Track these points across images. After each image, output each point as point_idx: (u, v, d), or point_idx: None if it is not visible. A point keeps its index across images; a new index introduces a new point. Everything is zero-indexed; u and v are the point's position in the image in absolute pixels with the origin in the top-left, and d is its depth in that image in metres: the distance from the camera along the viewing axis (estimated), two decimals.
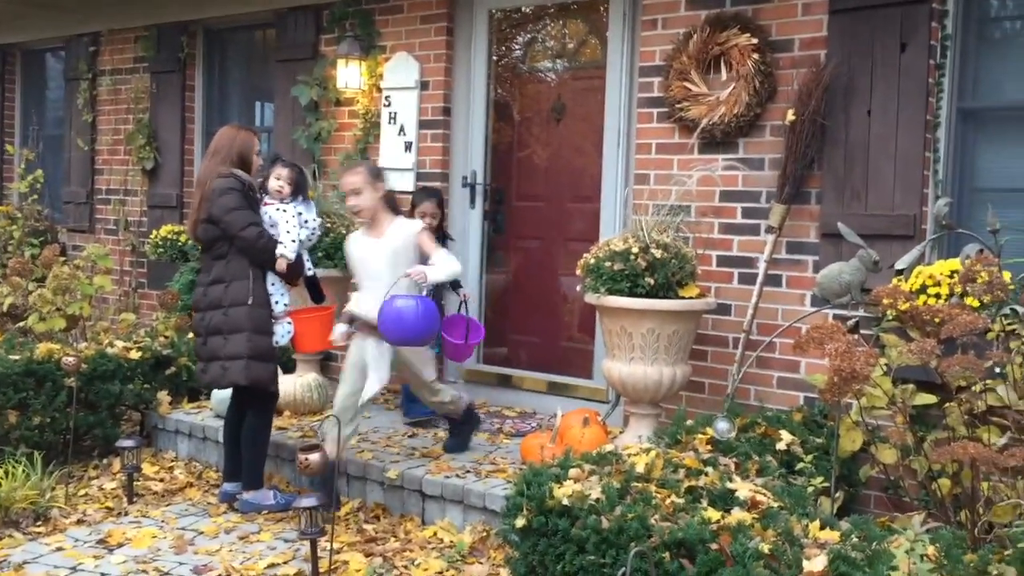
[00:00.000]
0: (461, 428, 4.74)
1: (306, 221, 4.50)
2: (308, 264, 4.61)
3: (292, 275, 4.44)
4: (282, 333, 4.42)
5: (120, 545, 4.05)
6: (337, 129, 6.26)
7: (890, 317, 3.71)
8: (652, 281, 4.12)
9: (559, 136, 5.66)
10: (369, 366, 4.27)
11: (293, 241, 4.35)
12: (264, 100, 7.21)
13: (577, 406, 4.87)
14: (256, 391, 4.38)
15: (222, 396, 4.92)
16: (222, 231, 4.29)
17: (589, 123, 5.48)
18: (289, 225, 4.38)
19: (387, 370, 4.29)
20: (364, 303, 4.28)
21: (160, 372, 5.55)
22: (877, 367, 3.17)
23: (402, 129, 5.91)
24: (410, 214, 4.87)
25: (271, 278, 4.38)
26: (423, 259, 4.25)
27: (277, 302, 4.39)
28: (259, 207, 4.40)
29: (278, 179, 4.46)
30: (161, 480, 4.93)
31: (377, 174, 4.33)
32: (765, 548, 2.58)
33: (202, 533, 4.21)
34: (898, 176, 4.15)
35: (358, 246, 4.38)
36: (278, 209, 4.42)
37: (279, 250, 4.31)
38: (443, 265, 4.20)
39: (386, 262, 4.23)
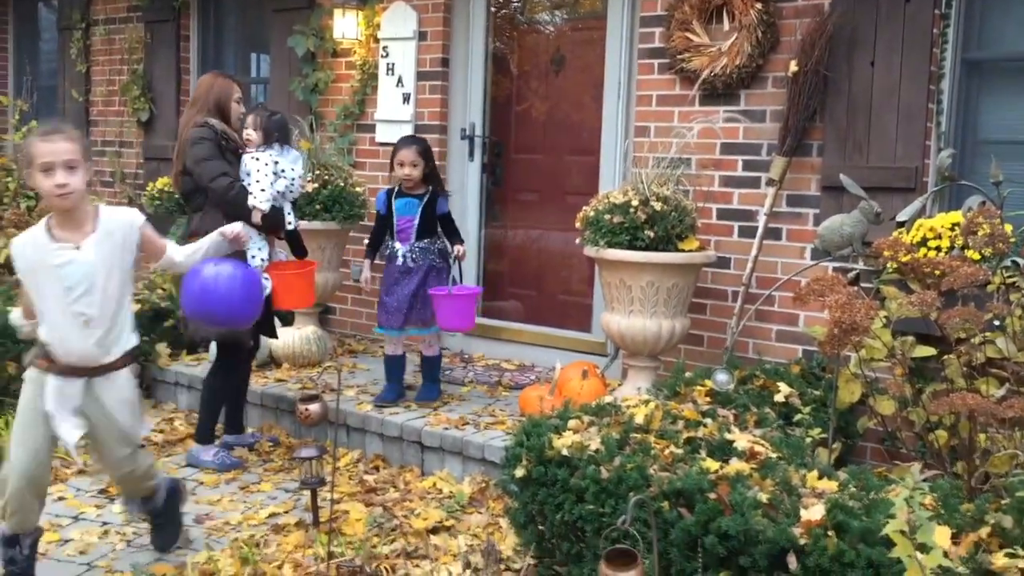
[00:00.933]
0: (168, 518, 3.51)
1: (283, 171, 4.29)
2: (289, 217, 4.41)
3: (270, 227, 4.29)
4: None
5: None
6: (334, 80, 6.19)
7: (891, 269, 3.70)
8: (652, 234, 4.11)
9: (558, 88, 5.61)
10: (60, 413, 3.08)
11: (263, 190, 4.19)
12: (260, 51, 7.12)
13: (576, 359, 4.88)
14: (228, 345, 4.31)
15: None
16: (195, 182, 4.22)
17: (589, 75, 5.42)
18: (260, 175, 4.20)
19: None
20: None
21: (159, 324, 5.55)
22: (877, 319, 3.17)
23: (400, 80, 5.85)
24: (391, 165, 4.62)
25: (248, 230, 4.26)
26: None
27: (254, 256, 4.25)
28: (238, 157, 4.29)
29: (247, 127, 4.29)
30: (161, 431, 4.95)
31: (89, 147, 3.10)
32: (763, 497, 2.60)
33: (203, 483, 4.24)
34: (901, 128, 4.12)
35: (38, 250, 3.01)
36: (253, 158, 4.26)
37: (251, 201, 4.17)
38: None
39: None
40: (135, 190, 7.40)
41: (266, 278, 4.26)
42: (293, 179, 4.34)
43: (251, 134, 4.28)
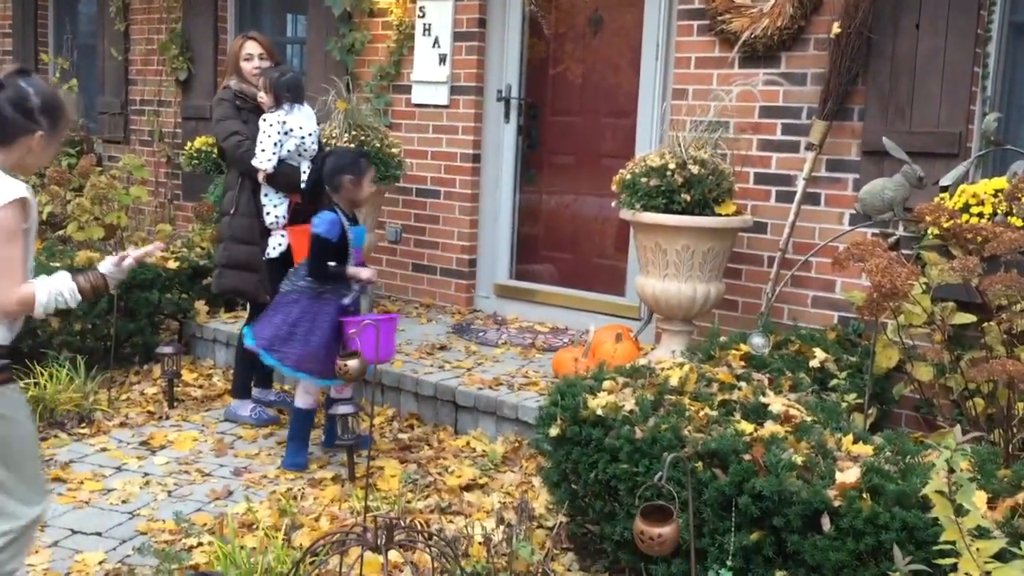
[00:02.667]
0: None
1: (290, 130, 4.25)
2: (304, 176, 4.27)
3: (283, 186, 4.30)
4: (273, 245, 4.33)
5: (162, 447, 4.17)
6: (370, 41, 6.18)
7: (932, 235, 3.66)
8: (688, 198, 4.09)
9: (595, 50, 5.56)
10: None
11: (263, 151, 4.20)
12: (297, 11, 7.12)
13: (609, 322, 4.89)
14: (261, 304, 4.33)
15: None
16: (219, 143, 4.46)
17: (626, 36, 5.37)
18: (263, 135, 4.22)
19: None
20: None
21: (197, 282, 5.62)
22: (917, 285, 3.15)
23: (436, 41, 5.83)
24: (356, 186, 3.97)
25: (265, 189, 4.31)
26: None
27: (268, 213, 4.32)
28: (259, 115, 4.32)
29: (259, 89, 4.33)
30: (200, 387, 5.04)
31: None
32: (798, 460, 2.60)
33: (240, 438, 4.32)
34: (945, 92, 4.05)
35: None
36: (262, 120, 4.27)
37: (252, 162, 4.23)
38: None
39: None
40: (173, 149, 7.47)
41: (282, 235, 4.33)
42: (302, 137, 4.30)
43: (262, 96, 4.31)
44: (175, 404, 4.71)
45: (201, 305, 5.57)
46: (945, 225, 3.38)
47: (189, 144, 7.00)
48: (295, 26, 7.20)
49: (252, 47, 4.46)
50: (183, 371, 5.08)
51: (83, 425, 4.38)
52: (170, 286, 5.42)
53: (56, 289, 2.39)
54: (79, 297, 2.46)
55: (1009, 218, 3.52)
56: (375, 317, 3.87)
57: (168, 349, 4.70)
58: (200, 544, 3.19)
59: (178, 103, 7.48)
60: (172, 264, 5.46)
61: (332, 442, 4.11)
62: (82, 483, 3.73)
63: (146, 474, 3.86)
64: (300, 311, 3.83)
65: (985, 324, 3.36)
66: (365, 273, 3.95)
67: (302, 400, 3.98)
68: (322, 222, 3.81)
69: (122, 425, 4.42)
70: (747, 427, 2.81)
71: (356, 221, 4.01)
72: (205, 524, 3.37)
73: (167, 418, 4.56)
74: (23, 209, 2.30)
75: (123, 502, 3.58)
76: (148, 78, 7.70)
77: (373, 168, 4.13)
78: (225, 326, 5.44)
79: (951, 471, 1.68)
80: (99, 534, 3.32)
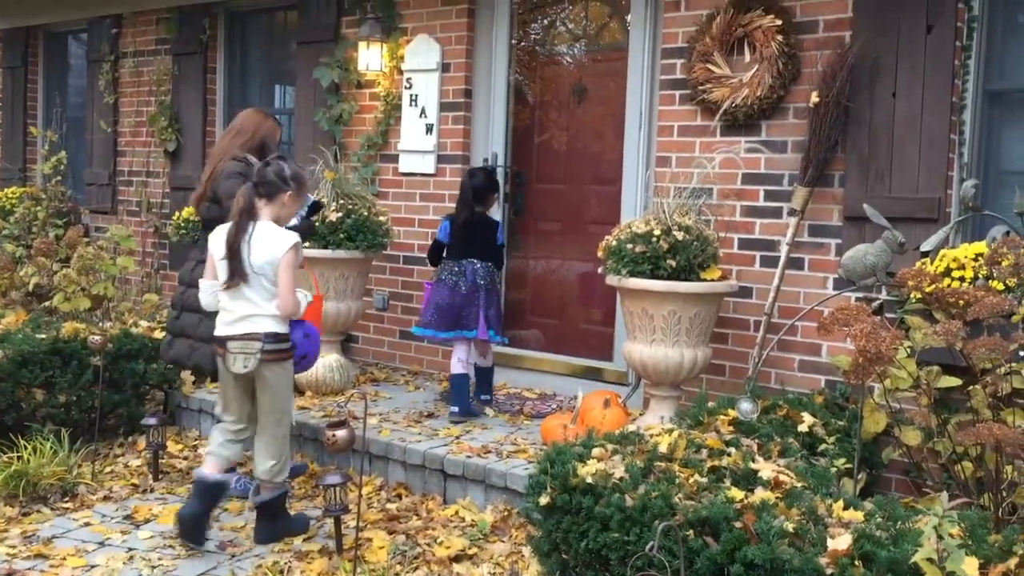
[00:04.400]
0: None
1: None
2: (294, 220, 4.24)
3: None
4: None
5: (147, 521, 4.11)
6: (358, 111, 6.28)
7: (915, 299, 3.70)
8: (674, 263, 4.13)
9: (580, 119, 5.66)
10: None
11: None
12: (284, 83, 7.23)
13: (597, 388, 4.89)
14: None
15: None
16: (222, 213, 4.17)
17: (610, 106, 5.47)
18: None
19: None
20: None
21: None
22: (901, 349, 3.17)
23: (423, 111, 5.92)
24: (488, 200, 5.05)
25: None
26: None
27: None
28: None
29: None
30: (185, 458, 4.98)
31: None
32: (789, 527, 2.59)
33: (227, 510, 4.26)
34: (923, 158, 4.13)
35: None
36: None
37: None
38: None
39: None
40: (161, 219, 7.50)
41: None
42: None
43: None
44: (160, 476, 4.65)
45: (187, 375, 5.54)
46: (928, 289, 3.42)
47: (177, 214, 7.06)
48: (284, 97, 7.31)
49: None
50: (168, 442, 5.02)
51: (66, 499, 4.32)
52: (156, 356, 5.39)
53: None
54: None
55: (990, 282, 3.56)
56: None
57: (153, 420, 4.65)
58: None
59: (166, 173, 7.55)
60: (159, 334, 5.44)
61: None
62: (65, 559, 3.66)
63: (130, 549, 3.79)
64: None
65: (971, 387, 3.38)
66: None
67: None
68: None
69: (106, 499, 4.36)
70: (737, 494, 2.80)
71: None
72: None
73: (152, 491, 4.50)
74: (298, 252, 3.73)
75: None
76: (136, 149, 7.78)
77: None
78: (211, 396, 5.40)
79: (940, 538, 1.68)
80: None
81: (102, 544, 3.85)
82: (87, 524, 4.05)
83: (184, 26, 7.37)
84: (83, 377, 4.91)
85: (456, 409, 4.91)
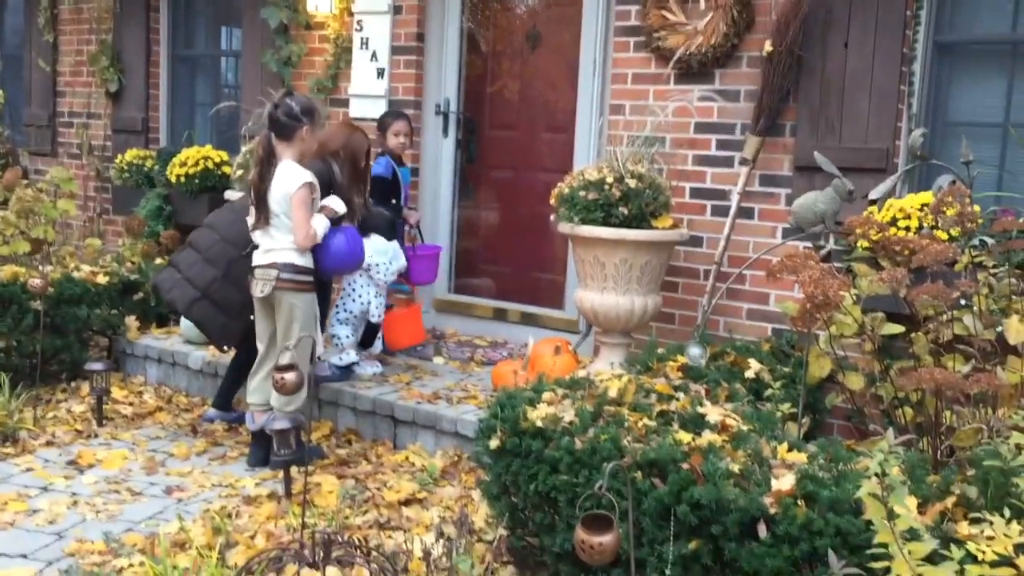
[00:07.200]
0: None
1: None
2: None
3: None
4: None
5: (91, 466, 4.06)
6: (307, 54, 6.13)
7: (861, 248, 3.75)
8: (626, 211, 4.13)
9: (533, 65, 5.60)
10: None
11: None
12: (231, 23, 7.03)
13: (548, 336, 4.90)
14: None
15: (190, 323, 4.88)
16: None
17: (564, 53, 5.42)
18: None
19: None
20: None
21: (128, 297, 5.50)
22: (847, 296, 3.21)
23: (374, 55, 5.81)
24: (382, 136, 5.01)
25: None
26: None
27: None
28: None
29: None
30: (131, 404, 4.92)
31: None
32: (735, 468, 2.63)
33: (173, 455, 4.22)
34: (873, 109, 4.17)
35: None
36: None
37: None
38: None
39: None
40: (103, 162, 7.30)
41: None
42: None
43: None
44: (104, 422, 4.59)
45: (132, 321, 5.45)
46: (874, 238, 3.46)
47: (120, 157, 6.88)
48: (230, 39, 7.12)
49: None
50: (113, 388, 4.95)
51: (7, 444, 4.24)
52: (99, 301, 5.29)
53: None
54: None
55: (935, 231, 3.62)
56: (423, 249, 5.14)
57: (97, 366, 4.57)
58: (131, 565, 3.10)
59: (108, 115, 7.33)
60: (102, 279, 5.33)
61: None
62: (6, 504, 3.60)
63: (74, 494, 3.74)
64: None
65: (913, 334, 3.45)
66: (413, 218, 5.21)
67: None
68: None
69: (48, 444, 4.29)
70: (685, 437, 2.83)
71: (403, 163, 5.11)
72: (136, 544, 3.27)
73: (96, 436, 4.44)
74: (311, 188, 3.91)
75: (50, 523, 3.47)
76: (77, 90, 7.53)
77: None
78: (157, 342, 5.33)
79: (884, 475, 1.72)
80: (24, 556, 3.20)
81: (45, 489, 3.79)
82: (29, 469, 3.98)
83: None
84: (23, 322, 4.81)
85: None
